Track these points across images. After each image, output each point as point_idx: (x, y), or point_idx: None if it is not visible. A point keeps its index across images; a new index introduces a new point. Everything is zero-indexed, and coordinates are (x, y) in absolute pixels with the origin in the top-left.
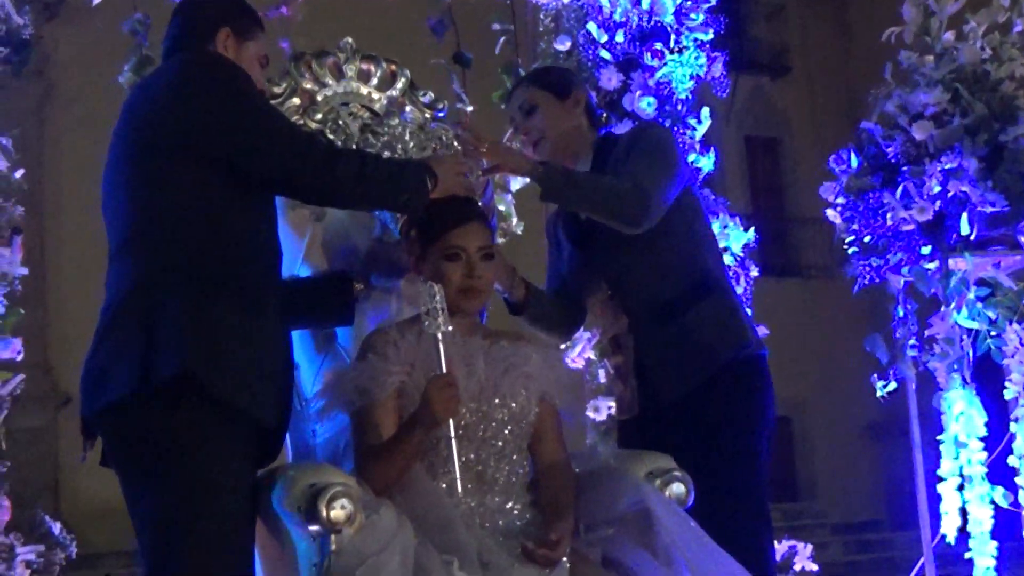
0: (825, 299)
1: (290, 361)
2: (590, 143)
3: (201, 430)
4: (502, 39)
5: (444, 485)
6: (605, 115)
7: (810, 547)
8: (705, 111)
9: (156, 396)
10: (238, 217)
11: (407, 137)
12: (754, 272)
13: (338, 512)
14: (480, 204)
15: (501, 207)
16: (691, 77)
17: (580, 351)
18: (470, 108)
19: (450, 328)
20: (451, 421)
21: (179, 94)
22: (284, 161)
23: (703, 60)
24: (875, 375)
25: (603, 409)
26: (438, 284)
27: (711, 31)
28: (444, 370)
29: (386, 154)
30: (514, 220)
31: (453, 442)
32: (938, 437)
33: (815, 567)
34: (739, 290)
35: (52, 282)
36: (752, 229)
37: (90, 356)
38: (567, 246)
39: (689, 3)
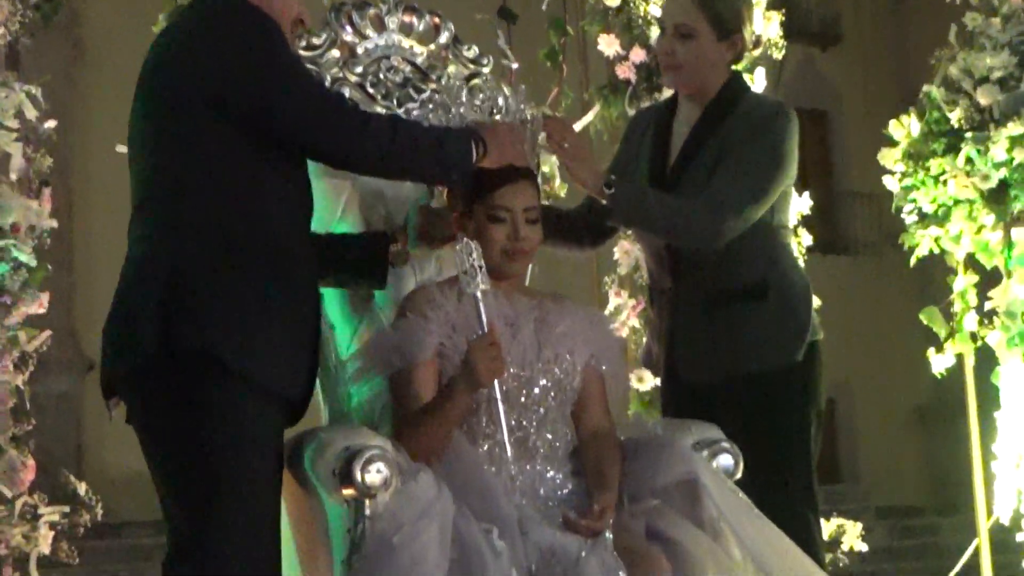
0: (873, 277)
1: (318, 327)
2: (722, 79)
3: (224, 396)
4: None
5: (485, 450)
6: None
7: (859, 526)
8: (759, 72)
9: (176, 364)
10: (264, 175)
11: (459, 92)
12: (801, 247)
13: (374, 476)
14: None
15: (545, 168)
16: None
17: (624, 317)
18: (515, 65)
19: (489, 287)
20: (496, 383)
21: (198, 45)
22: (307, 121)
23: (759, 18)
24: (931, 350)
25: (648, 378)
26: (475, 241)
27: None
28: (486, 330)
29: (438, 114)
30: (557, 182)
31: (500, 405)
32: (995, 413)
33: (864, 547)
34: None
35: (79, 246)
36: (806, 194)
37: (110, 318)
38: (645, 172)
39: None
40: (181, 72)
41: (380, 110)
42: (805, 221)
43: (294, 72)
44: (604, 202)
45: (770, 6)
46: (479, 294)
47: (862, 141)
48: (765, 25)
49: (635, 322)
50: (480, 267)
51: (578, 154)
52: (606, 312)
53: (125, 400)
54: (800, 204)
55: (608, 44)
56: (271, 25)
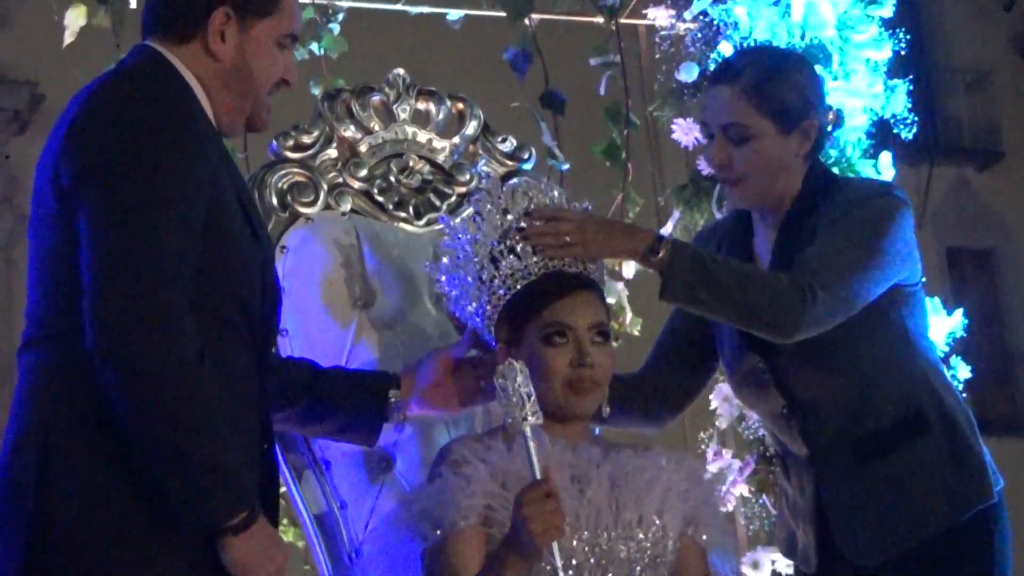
0: None
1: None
2: (799, 177)
3: None
4: (606, 75)
5: None
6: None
7: None
8: (885, 157)
9: None
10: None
11: (493, 192)
12: (963, 372)
13: None
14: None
15: (611, 299)
16: (864, 111)
17: (730, 484)
18: (565, 166)
19: (541, 421)
20: (555, 546)
21: (70, 135)
22: (98, 293)
23: (878, 87)
24: None
25: (764, 564)
26: (520, 362)
27: (887, 46)
28: (538, 476)
29: (475, 222)
30: (628, 316)
31: (561, 575)
32: None
33: None
34: None
35: None
36: (959, 312)
37: None
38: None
39: (855, 11)
40: (49, 159)
41: (402, 225)
42: (965, 334)
43: (147, 199)
44: (658, 271)
45: (896, 69)
46: (528, 430)
47: None
48: (892, 100)
49: (743, 490)
50: (528, 395)
51: (590, 234)
52: (706, 475)
53: None
54: (949, 321)
55: (684, 132)
56: (174, 113)
